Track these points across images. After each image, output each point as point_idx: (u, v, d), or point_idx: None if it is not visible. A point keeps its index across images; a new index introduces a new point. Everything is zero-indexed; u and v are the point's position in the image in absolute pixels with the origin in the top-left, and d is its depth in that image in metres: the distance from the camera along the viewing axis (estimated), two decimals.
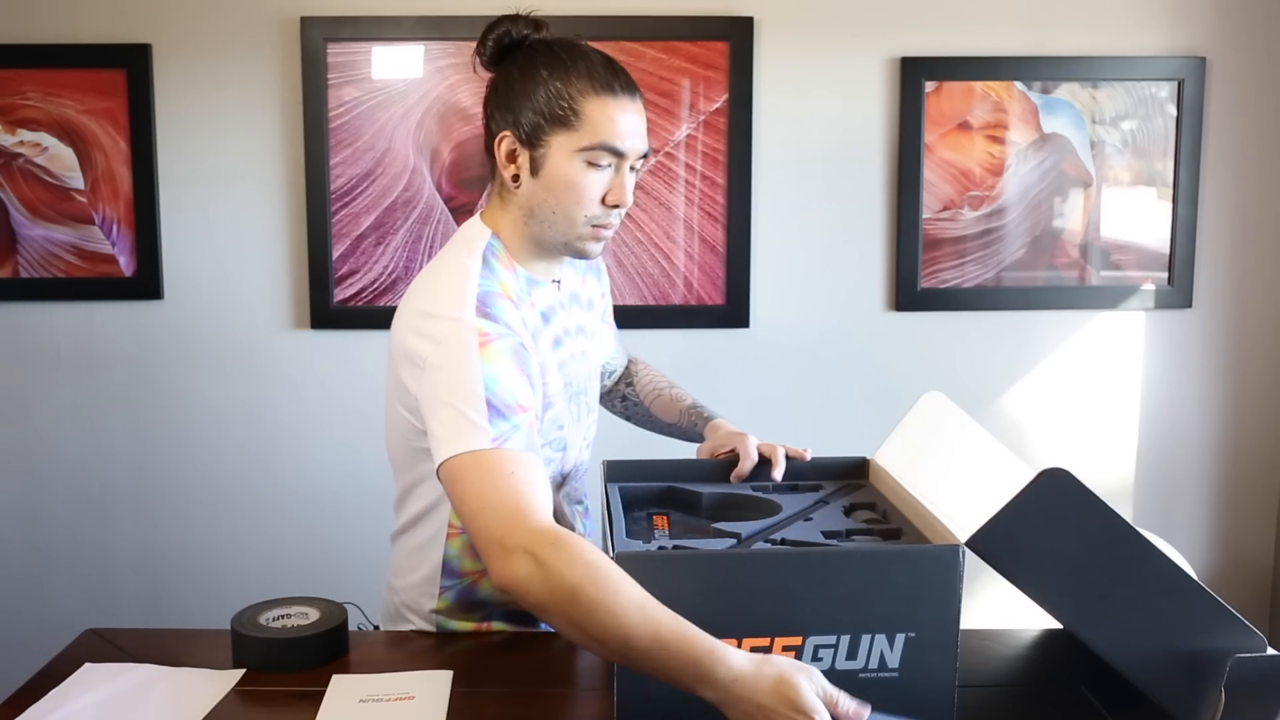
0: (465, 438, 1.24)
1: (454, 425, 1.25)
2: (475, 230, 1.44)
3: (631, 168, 1.38)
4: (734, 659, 1.08)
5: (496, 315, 1.32)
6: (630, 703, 1.18)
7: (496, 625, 1.53)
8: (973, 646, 1.42)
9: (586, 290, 1.60)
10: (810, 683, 1.07)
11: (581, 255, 1.42)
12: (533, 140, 1.36)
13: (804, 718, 1.05)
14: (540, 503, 1.21)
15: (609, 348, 1.74)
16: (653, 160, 2.50)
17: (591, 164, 1.34)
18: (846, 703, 1.08)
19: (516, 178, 1.38)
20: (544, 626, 1.58)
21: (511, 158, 1.38)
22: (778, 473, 1.50)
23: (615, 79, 1.35)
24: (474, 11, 2.46)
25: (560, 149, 1.34)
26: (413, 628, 1.54)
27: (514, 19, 1.39)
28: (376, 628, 1.63)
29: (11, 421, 2.59)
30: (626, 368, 1.81)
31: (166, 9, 2.47)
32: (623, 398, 1.80)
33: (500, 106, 1.38)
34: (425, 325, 1.33)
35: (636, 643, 1.09)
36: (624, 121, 1.34)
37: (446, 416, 1.26)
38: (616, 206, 1.37)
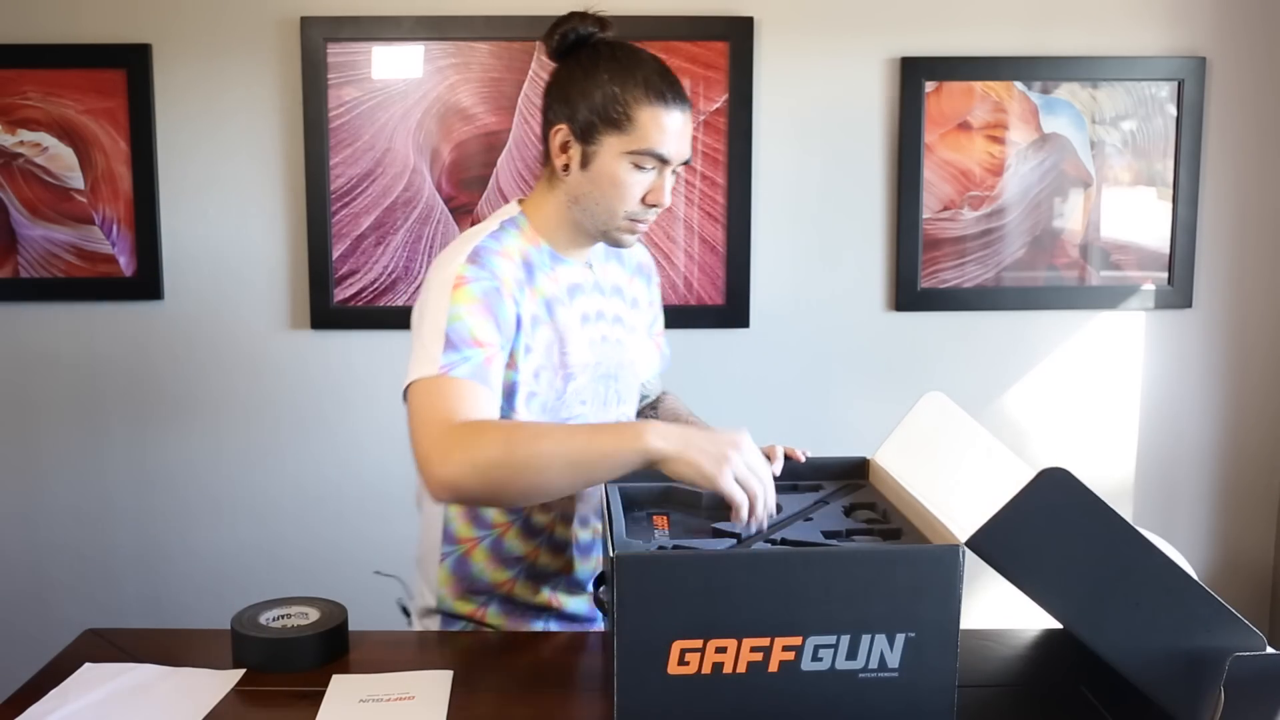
0: (419, 367, 1.36)
1: (414, 358, 1.38)
2: (505, 209, 1.57)
3: (673, 171, 1.48)
4: (659, 424, 1.27)
5: (483, 263, 1.43)
6: (630, 703, 1.18)
7: (491, 615, 1.58)
8: (973, 646, 1.42)
9: (633, 290, 1.67)
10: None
11: (616, 245, 1.53)
12: (586, 137, 1.45)
13: (746, 452, 1.25)
14: (467, 416, 1.30)
15: (651, 365, 1.77)
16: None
17: (637, 166, 1.44)
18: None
19: (567, 167, 1.48)
20: (539, 626, 1.61)
21: (564, 149, 1.48)
22: (775, 467, 1.48)
23: (668, 89, 1.44)
24: (474, 11, 2.46)
25: (610, 148, 1.44)
26: (428, 605, 1.61)
27: (582, 16, 1.48)
28: (406, 610, 1.68)
29: (11, 421, 2.59)
30: (659, 396, 1.84)
31: (166, 9, 2.47)
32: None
33: (559, 100, 1.48)
34: (424, 283, 1.47)
35: (578, 450, 1.25)
36: (671, 130, 1.44)
37: (412, 352, 1.40)
38: (655, 206, 1.47)
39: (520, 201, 1.57)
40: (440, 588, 1.61)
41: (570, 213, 1.50)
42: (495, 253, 1.45)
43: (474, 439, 1.27)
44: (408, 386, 1.37)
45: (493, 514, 1.56)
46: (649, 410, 1.80)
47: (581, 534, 1.62)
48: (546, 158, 1.51)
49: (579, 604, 1.63)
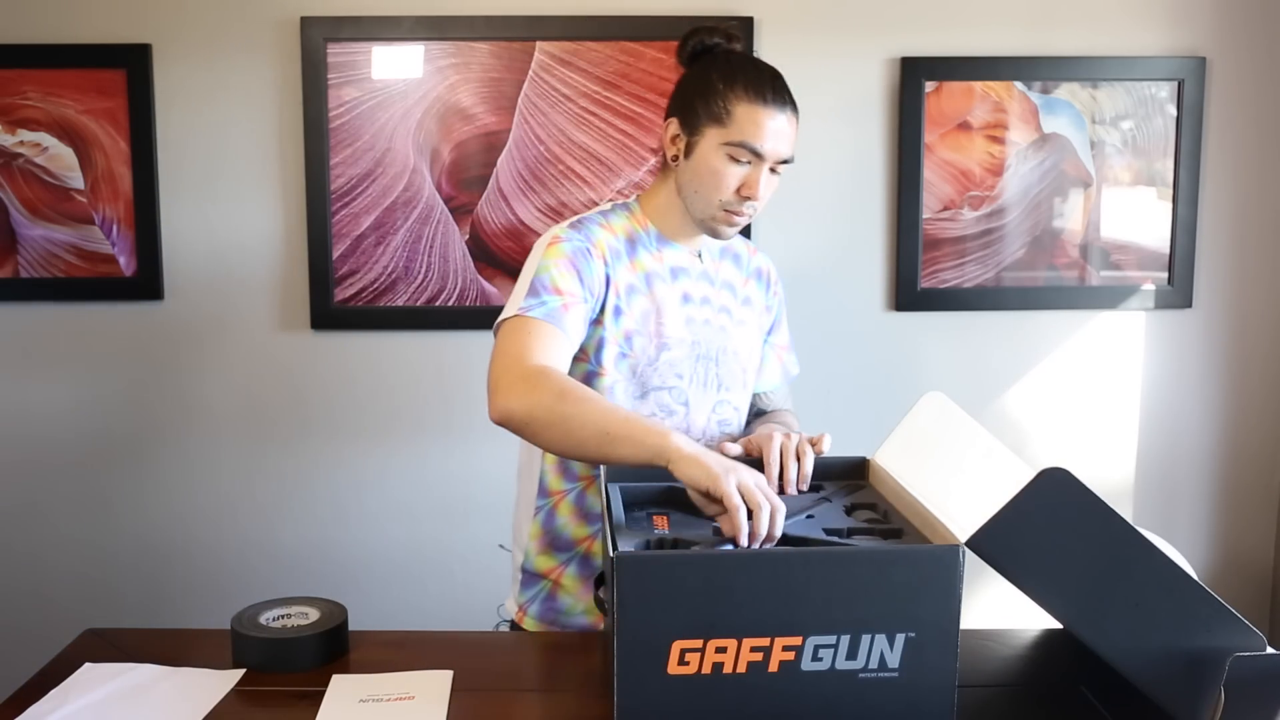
0: (507, 310, 1.53)
1: (507, 304, 1.54)
2: (623, 198, 1.74)
3: (772, 169, 1.59)
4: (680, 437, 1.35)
5: (581, 229, 1.60)
6: (630, 703, 1.18)
7: (568, 577, 1.67)
8: (973, 646, 1.42)
9: (746, 290, 1.77)
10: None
11: (715, 235, 1.64)
12: (691, 129, 1.59)
13: (757, 477, 1.30)
14: (538, 353, 1.45)
15: (770, 374, 1.83)
16: (652, 161, 2.50)
17: (733, 158, 1.57)
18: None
19: (676, 157, 1.62)
20: (579, 619, 1.66)
21: (674, 140, 1.62)
22: (824, 444, 1.49)
23: (769, 90, 1.57)
24: (474, 11, 2.46)
25: (710, 140, 1.57)
26: (517, 563, 1.72)
27: (710, 30, 1.64)
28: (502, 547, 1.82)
29: (11, 421, 2.59)
30: (776, 410, 1.86)
31: (166, 9, 2.47)
32: (750, 429, 1.81)
33: (676, 98, 1.63)
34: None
35: (614, 425, 1.36)
36: (768, 127, 1.56)
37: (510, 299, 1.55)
38: (748, 199, 1.58)
39: (639, 195, 1.72)
40: (530, 542, 1.70)
41: (678, 201, 1.64)
42: (597, 224, 1.63)
43: (537, 381, 1.41)
44: (497, 326, 1.53)
45: (579, 467, 1.64)
46: (756, 420, 1.82)
47: None
48: (662, 151, 1.66)
49: None
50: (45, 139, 2.48)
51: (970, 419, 1.50)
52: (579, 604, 1.68)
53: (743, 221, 1.63)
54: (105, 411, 2.58)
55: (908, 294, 2.58)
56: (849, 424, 2.59)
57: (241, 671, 1.39)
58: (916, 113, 2.52)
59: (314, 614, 1.47)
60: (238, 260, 2.54)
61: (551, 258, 1.55)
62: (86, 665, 1.40)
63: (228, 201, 2.53)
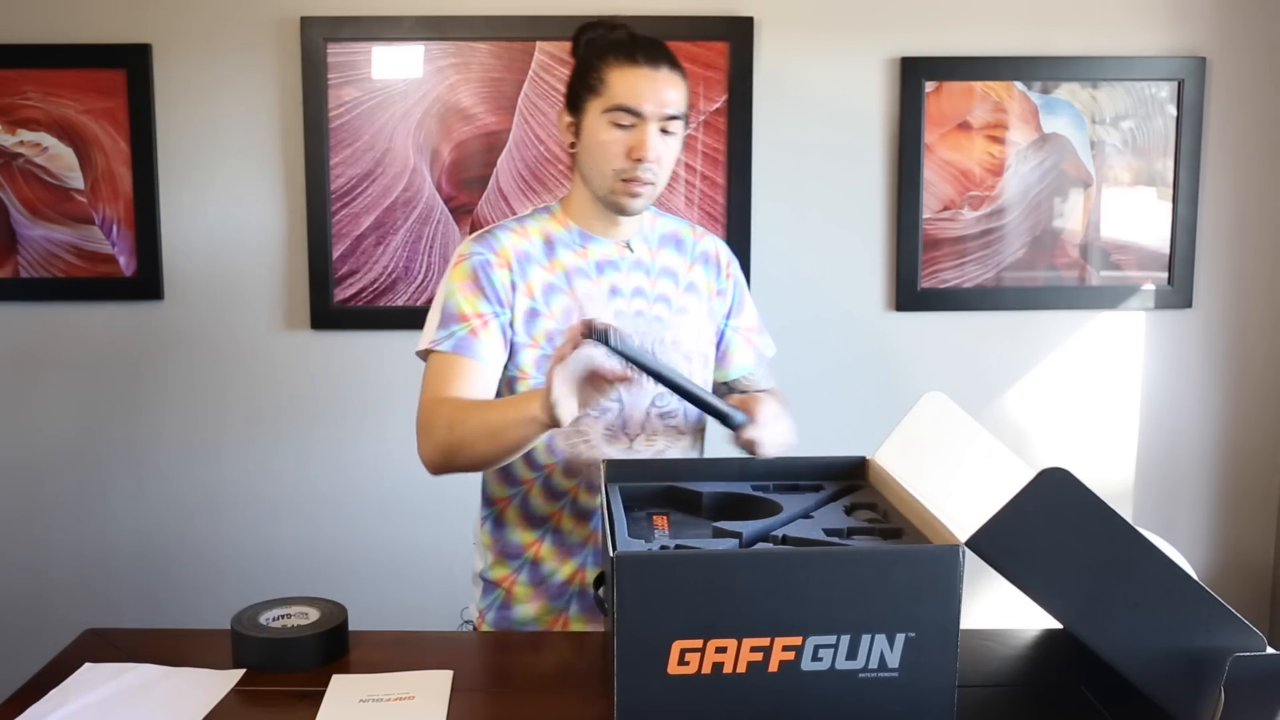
0: (422, 339, 1.59)
1: (424, 332, 1.60)
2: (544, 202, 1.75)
3: (664, 130, 1.56)
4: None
5: (485, 241, 1.61)
6: (630, 703, 1.18)
7: (520, 585, 1.67)
8: (973, 646, 1.42)
9: (691, 275, 1.72)
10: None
11: (621, 210, 1.61)
12: (575, 108, 1.60)
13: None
14: (448, 392, 1.52)
15: (739, 362, 1.79)
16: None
17: (615, 124, 1.55)
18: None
19: (573, 144, 1.62)
20: (558, 605, 1.66)
21: (568, 129, 1.62)
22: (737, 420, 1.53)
23: (639, 52, 1.56)
24: (474, 11, 2.46)
25: (592, 112, 1.57)
26: (476, 570, 1.73)
27: (594, 25, 1.64)
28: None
29: (11, 421, 2.59)
30: (760, 391, 1.82)
31: (166, 9, 2.47)
32: None
33: (567, 88, 1.63)
34: None
35: (493, 419, 1.44)
36: (642, 85, 1.54)
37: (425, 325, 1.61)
38: (640, 160, 1.55)
39: (562, 198, 1.71)
40: (486, 552, 1.71)
41: (586, 189, 1.63)
42: (508, 230, 1.64)
43: (431, 422, 1.51)
44: (418, 354, 1.60)
45: (520, 470, 1.64)
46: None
47: None
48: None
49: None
50: (45, 139, 2.48)
51: (970, 419, 1.50)
52: (530, 611, 1.67)
53: (646, 190, 1.58)
54: (105, 411, 2.58)
55: (908, 294, 2.58)
56: (849, 424, 2.60)
57: (241, 671, 1.39)
58: (916, 113, 2.52)
59: (314, 614, 1.47)
60: (238, 260, 2.54)
61: (456, 280, 1.59)
62: (86, 665, 1.40)
63: (228, 201, 2.53)
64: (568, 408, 1.34)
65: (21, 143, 2.48)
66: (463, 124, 2.49)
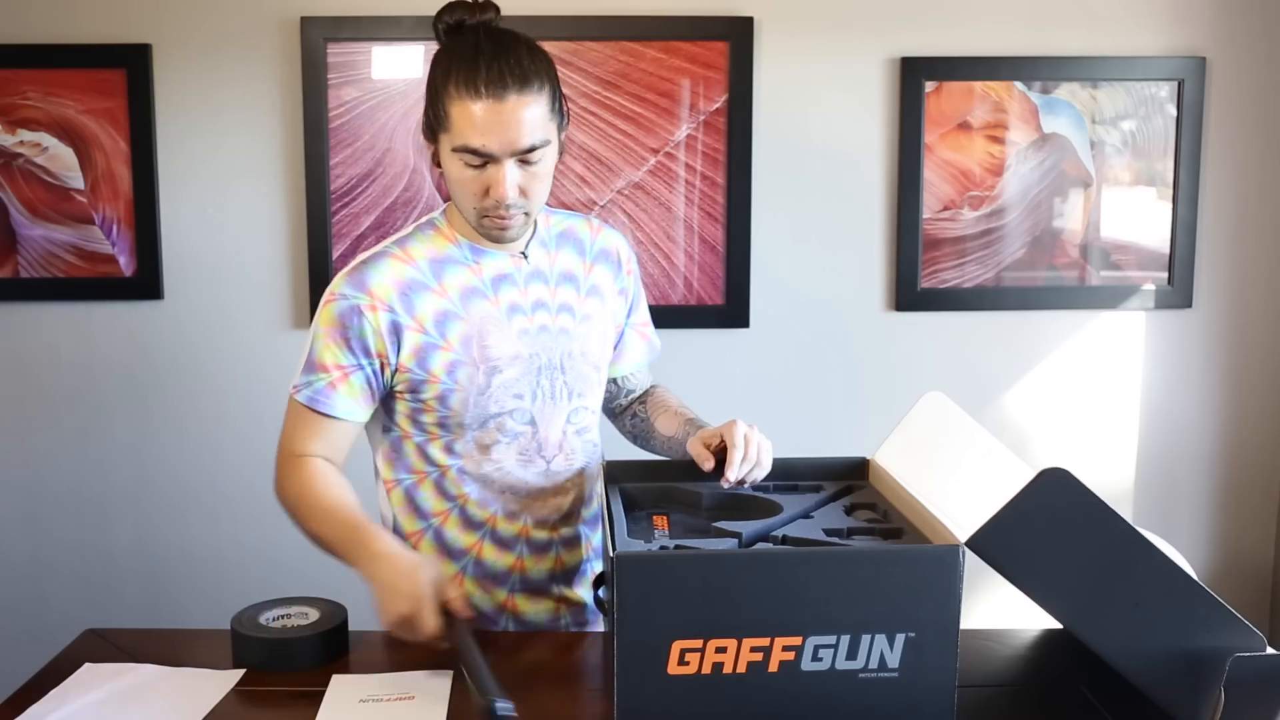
0: (294, 375, 1.53)
1: (298, 362, 1.53)
2: (433, 213, 1.59)
3: (525, 161, 1.41)
4: (377, 543, 1.40)
5: (358, 280, 1.48)
6: (630, 703, 1.18)
7: (469, 582, 1.58)
8: (973, 646, 1.42)
9: (592, 278, 1.61)
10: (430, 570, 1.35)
11: (493, 240, 1.50)
12: (430, 137, 1.47)
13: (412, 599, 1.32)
14: (299, 443, 1.54)
15: (634, 357, 1.72)
16: (652, 161, 2.50)
17: (466, 163, 1.41)
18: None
19: (437, 164, 1.48)
20: (499, 628, 1.61)
21: (427, 146, 1.50)
22: (730, 474, 1.42)
23: (481, 80, 1.37)
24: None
25: (444, 148, 1.44)
26: None
27: (454, 6, 1.45)
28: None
29: (11, 421, 2.59)
30: (648, 390, 1.78)
31: (166, 9, 2.47)
32: (633, 414, 1.75)
33: (425, 105, 1.47)
34: None
35: (328, 541, 1.47)
36: (487, 122, 1.37)
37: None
38: (499, 201, 1.42)
39: (445, 209, 1.58)
40: None
41: None
42: (387, 258, 1.50)
43: (281, 488, 1.56)
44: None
45: (432, 502, 1.57)
46: (637, 404, 1.75)
47: (536, 533, 1.58)
48: None
49: (538, 612, 1.61)
50: (45, 139, 2.48)
51: (970, 419, 1.50)
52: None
53: (516, 222, 1.46)
54: (105, 411, 2.58)
55: (908, 294, 2.58)
56: (849, 424, 2.60)
57: (241, 671, 1.39)
58: (916, 113, 2.52)
59: (314, 614, 1.47)
60: (238, 260, 2.54)
61: (323, 325, 1.49)
62: (86, 665, 1.40)
63: (228, 201, 2.53)
64: (387, 622, 1.35)
65: (21, 143, 2.48)
66: None
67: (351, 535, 1.43)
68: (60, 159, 2.49)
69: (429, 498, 1.57)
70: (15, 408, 2.58)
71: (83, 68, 2.46)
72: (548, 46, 2.49)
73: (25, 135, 2.48)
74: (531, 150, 1.40)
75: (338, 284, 1.50)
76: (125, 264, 2.52)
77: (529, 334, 1.52)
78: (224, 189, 2.53)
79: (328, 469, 1.52)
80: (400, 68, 2.47)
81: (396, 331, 1.47)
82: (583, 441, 1.59)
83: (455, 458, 1.54)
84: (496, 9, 1.46)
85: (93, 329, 2.56)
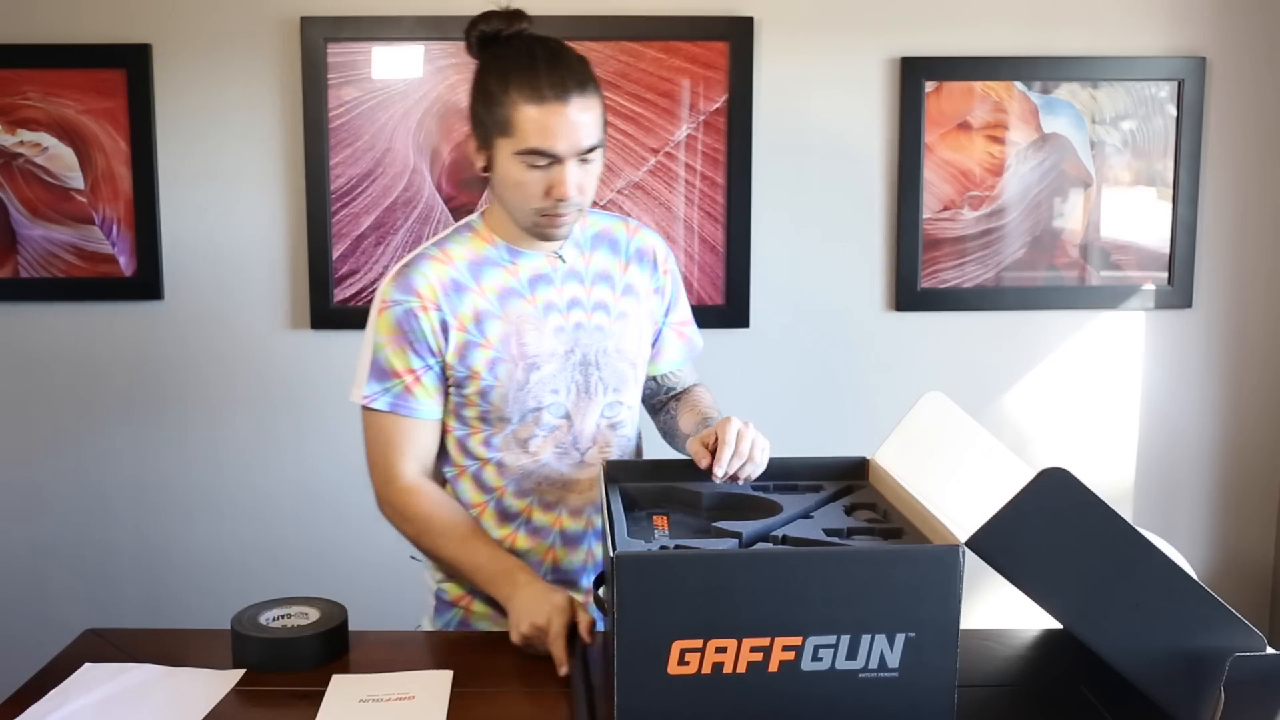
0: (356, 388, 1.58)
1: (356, 373, 1.59)
2: (469, 216, 1.65)
3: (583, 160, 1.48)
4: (522, 574, 1.49)
5: (405, 284, 1.54)
6: (630, 703, 1.18)
7: (478, 604, 1.64)
8: (973, 646, 1.42)
9: (627, 277, 1.66)
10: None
11: (544, 239, 1.55)
12: (484, 142, 1.51)
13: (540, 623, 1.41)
14: (398, 457, 1.57)
15: (671, 357, 1.75)
16: (652, 161, 2.50)
17: (530, 165, 1.47)
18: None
19: (486, 168, 1.53)
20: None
21: (477, 154, 1.54)
22: (718, 469, 1.44)
23: (545, 85, 1.44)
24: (474, 12, 2.45)
25: (503, 151, 1.48)
26: (429, 587, 1.70)
27: (489, 16, 1.53)
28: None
29: (11, 421, 2.59)
30: (687, 388, 1.79)
31: (166, 9, 2.47)
32: (666, 412, 1.77)
33: (470, 106, 1.54)
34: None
35: (461, 566, 1.54)
36: (554, 126, 1.44)
37: (358, 361, 1.60)
38: (560, 200, 1.48)
39: (483, 211, 1.64)
40: (436, 570, 1.68)
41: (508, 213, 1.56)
42: (428, 260, 1.56)
43: (400, 515, 1.57)
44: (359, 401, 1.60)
45: (471, 494, 1.62)
46: (672, 402, 1.77)
47: (570, 523, 1.62)
48: None
49: None
50: (45, 139, 2.48)
51: (970, 419, 1.50)
52: (495, 628, 1.61)
53: (569, 219, 1.52)
54: (105, 411, 2.58)
55: (908, 294, 2.58)
56: (849, 424, 2.60)
57: (241, 671, 1.39)
58: (916, 113, 2.52)
59: (314, 614, 1.47)
60: (238, 260, 2.54)
61: (383, 333, 1.55)
62: (86, 665, 1.40)
63: (228, 201, 2.53)
64: (518, 635, 1.43)
65: (21, 143, 2.48)
66: (463, 124, 2.48)
67: (494, 566, 1.51)
68: (60, 159, 2.49)
69: (468, 490, 1.62)
70: (15, 408, 2.58)
71: (83, 68, 2.46)
72: None
73: (25, 135, 2.48)
74: (591, 150, 1.49)
75: (387, 290, 1.55)
76: (125, 264, 2.52)
77: (564, 331, 1.58)
78: (224, 189, 2.53)
79: (443, 496, 1.60)
80: (400, 68, 2.47)
81: (445, 329, 1.54)
82: (617, 435, 1.64)
83: (494, 451, 1.60)
84: (529, 19, 1.53)
85: (93, 329, 2.56)
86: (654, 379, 1.76)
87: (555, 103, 1.44)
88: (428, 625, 1.70)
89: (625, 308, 1.64)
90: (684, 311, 1.77)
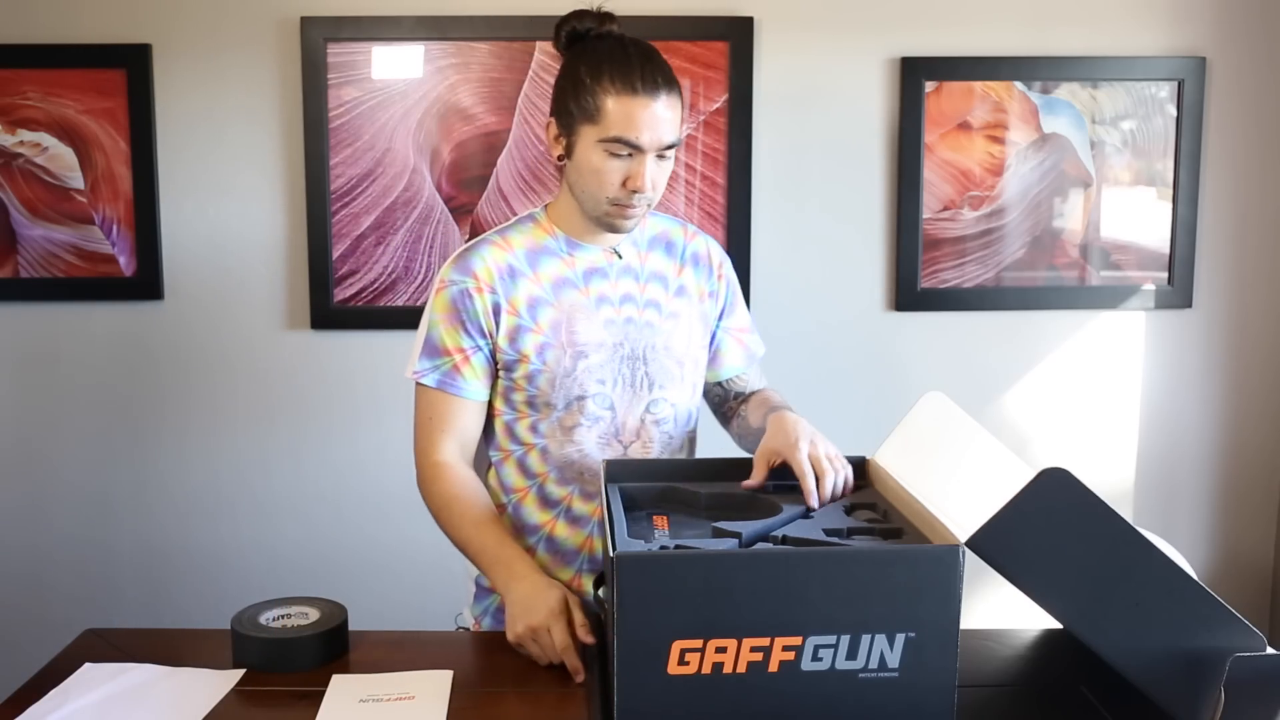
0: (410, 363, 1.62)
1: (412, 349, 1.62)
2: (539, 206, 1.70)
3: (660, 156, 1.53)
4: (520, 565, 1.49)
5: (464, 265, 1.60)
6: (630, 703, 1.18)
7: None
8: (973, 646, 1.42)
9: (681, 279, 1.70)
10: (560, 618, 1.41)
11: (612, 229, 1.60)
12: (567, 128, 1.55)
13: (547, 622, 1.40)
14: (438, 433, 1.60)
15: (729, 362, 1.77)
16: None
17: (612, 154, 1.51)
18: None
19: (562, 157, 1.58)
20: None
21: (556, 141, 1.58)
22: (812, 503, 1.43)
23: (637, 78, 1.50)
24: (474, 11, 2.46)
25: (586, 138, 1.52)
26: (472, 572, 1.71)
27: (582, 14, 1.58)
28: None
29: (11, 421, 2.59)
30: (754, 391, 1.79)
31: (166, 9, 2.47)
32: (737, 416, 1.77)
33: (555, 94, 1.59)
34: None
35: (473, 552, 1.56)
36: (641, 118, 1.49)
37: (415, 340, 1.64)
38: (636, 191, 1.53)
39: (547, 205, 1.68)
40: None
41: (574, 200, 1.60)
42: (489, 245, 1.62)
43: (427, 491, 1.60)
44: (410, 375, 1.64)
45: (513, 479, 1.65)
46: (741, 406, 1.76)
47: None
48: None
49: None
50: (45, 139, 2.48)
51: (970, 419, 1.50)
52: None
53: (637, 213, 1.57)
54: (105, 411, 2.58)
55: (908, 294, 2.58)
56: (849, 424, 2.60)
57: (241, 671, 1.39)
58: (916, 113, 2.52)
59: (314, 614, 1.47)
60: (238, 260, 2.54)
61: (438, 311, 1.60)
62: (86, 665, 1.40)
63: (228, 201, 2.53)
64: (513, 635, 1.43)
65: (21, 143, 2.48)
66: (463, 124, 2.49)
67: (496, 552, 1.52)
68: (60, 159, 2.49)
69: (511, 474, 1.65)
70: (15, 408, 2.58)
71: (83, 68, 2.46)
72: (547, 46, 2.50)
73: (25, 135, 2.48)
74: (670, 147, 1.54)
75: (446, 271, 1.61)
76: (125, 264, 2.52)
77: (615, 324, 1.62)
78: (224, 189, 2.53)
79: (471, 478, 1.60)
80: (400, 68, 2.47)
81: (497, 312, 1.59)
82: (660, 431, 1.65)
83: (539, 437, 1.63)
84: (618, 20, 1.59)
85: (93, 329, 2.56)
86: (720, 385, 1.78)
87: (645, 95, 1.49)
88: (468, 614, 1.72)
89: (677, 308, 1.68)
90: (741, 318, 1.80)
